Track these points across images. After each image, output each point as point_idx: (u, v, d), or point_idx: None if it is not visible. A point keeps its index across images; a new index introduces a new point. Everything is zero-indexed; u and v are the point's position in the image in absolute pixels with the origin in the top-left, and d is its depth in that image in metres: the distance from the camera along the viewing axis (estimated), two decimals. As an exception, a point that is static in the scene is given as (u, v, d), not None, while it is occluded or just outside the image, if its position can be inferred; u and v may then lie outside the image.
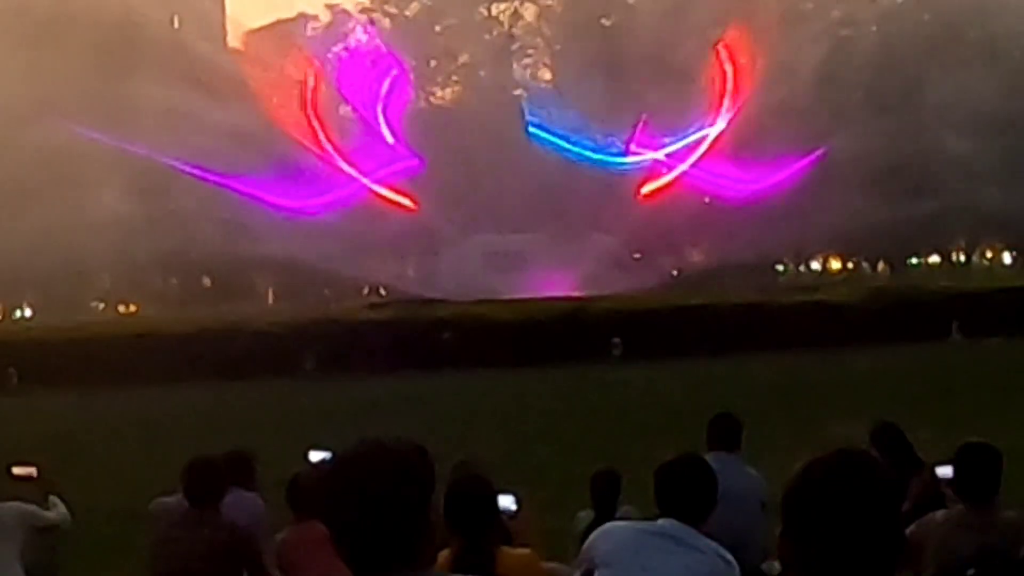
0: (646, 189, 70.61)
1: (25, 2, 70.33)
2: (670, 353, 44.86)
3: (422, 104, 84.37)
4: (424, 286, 69.07)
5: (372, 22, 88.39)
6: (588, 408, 33.20)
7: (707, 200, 72.33)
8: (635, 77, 72.79)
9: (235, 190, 65.49)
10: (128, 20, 70.41)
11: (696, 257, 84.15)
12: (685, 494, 6.66)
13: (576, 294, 61.06)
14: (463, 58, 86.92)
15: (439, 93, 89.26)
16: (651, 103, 70.46)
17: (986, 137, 65.91)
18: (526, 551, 7.29)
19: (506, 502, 7.56)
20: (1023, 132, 68.45)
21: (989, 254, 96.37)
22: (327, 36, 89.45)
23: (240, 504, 10.55)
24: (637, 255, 77.99)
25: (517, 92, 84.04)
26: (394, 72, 72.64)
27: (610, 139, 72.97)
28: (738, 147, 68.04)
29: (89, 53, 67.87)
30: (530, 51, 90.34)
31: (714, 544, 6.54)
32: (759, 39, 69.89)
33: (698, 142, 70.25)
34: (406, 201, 69.44)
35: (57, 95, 66.24)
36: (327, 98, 73.04)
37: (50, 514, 10.39)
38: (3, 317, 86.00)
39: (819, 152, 68.76)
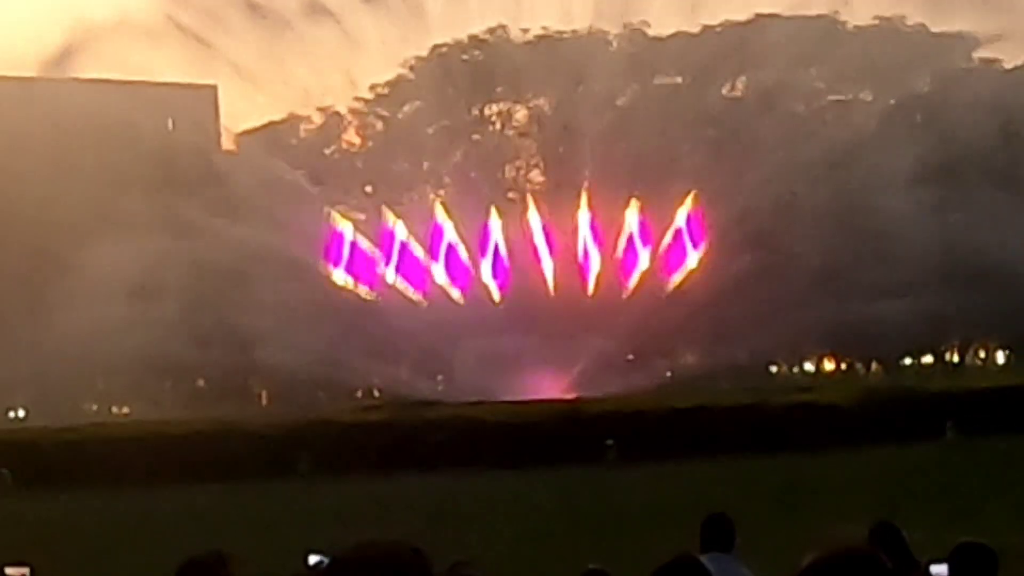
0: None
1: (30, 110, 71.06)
2: (664, 455, 44.69)
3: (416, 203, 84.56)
4: (417, 388, 68.90)
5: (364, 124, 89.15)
6: (582, 510, 33.09)
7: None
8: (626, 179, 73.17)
9: None
10: (126, 123, 71.00)
11: (689, 359, 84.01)
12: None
13: (570, 396, 60.93)
14: (455, 159, 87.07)
15: (431, 195, 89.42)
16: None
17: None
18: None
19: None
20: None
21: (982, 354, 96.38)
22: (319, 138, 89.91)
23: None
24: (631, 357, 77.81)
25: (510, 195, 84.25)
26: None
27: None
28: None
29: (88, 156, 68.52)
30: (521, 152, 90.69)
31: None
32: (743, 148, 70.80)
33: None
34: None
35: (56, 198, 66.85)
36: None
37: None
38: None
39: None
